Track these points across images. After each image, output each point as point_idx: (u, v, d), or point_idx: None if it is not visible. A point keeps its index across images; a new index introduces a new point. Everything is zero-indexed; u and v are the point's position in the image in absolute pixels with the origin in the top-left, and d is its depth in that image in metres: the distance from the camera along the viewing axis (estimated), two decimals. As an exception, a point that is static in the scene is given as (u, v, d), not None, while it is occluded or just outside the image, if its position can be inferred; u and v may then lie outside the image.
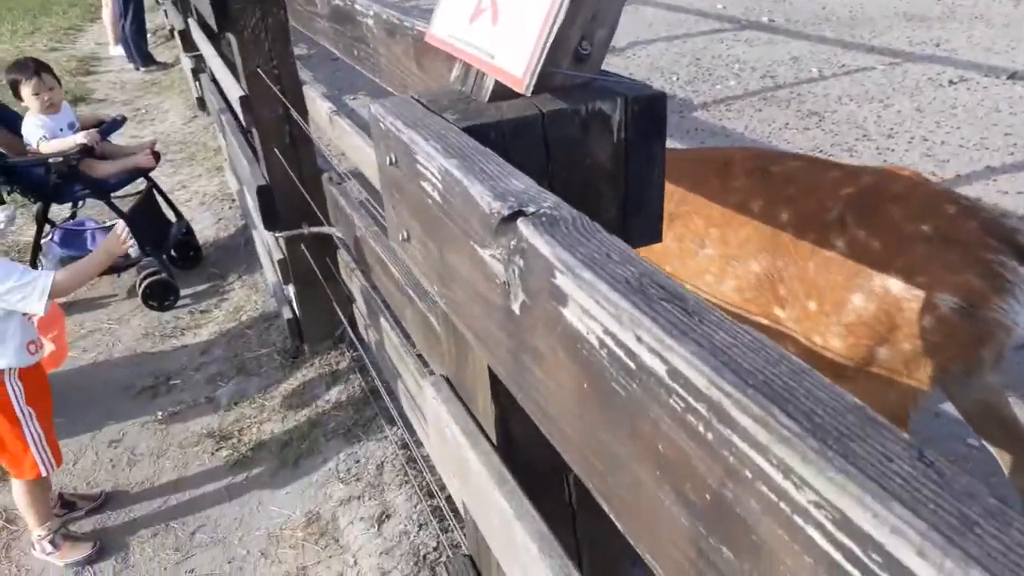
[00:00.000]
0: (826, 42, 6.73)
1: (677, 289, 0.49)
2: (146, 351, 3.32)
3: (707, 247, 1.85)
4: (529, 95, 0.83)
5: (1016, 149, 4.36)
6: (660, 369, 0.45)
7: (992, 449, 1.92)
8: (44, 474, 2.21)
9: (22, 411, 2.14)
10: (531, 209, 0.63)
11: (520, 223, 0.62)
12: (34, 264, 3.53)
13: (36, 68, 3.42)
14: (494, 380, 0.92)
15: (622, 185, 0.91)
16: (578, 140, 0.87)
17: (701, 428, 0.41)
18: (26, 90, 3.40)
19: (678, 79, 6.08)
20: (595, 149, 0.88)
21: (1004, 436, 1.87)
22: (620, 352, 0.49)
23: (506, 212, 0.64)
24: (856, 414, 0.37)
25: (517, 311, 0.65)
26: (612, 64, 5.47)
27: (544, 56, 0.81)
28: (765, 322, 1.76)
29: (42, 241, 3.58)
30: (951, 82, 5.51)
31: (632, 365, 0.47)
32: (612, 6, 0.87)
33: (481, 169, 0.72)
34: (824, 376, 0.40)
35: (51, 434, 2.23)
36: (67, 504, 2.47)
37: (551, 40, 0.80)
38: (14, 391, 2.13)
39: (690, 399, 0.42)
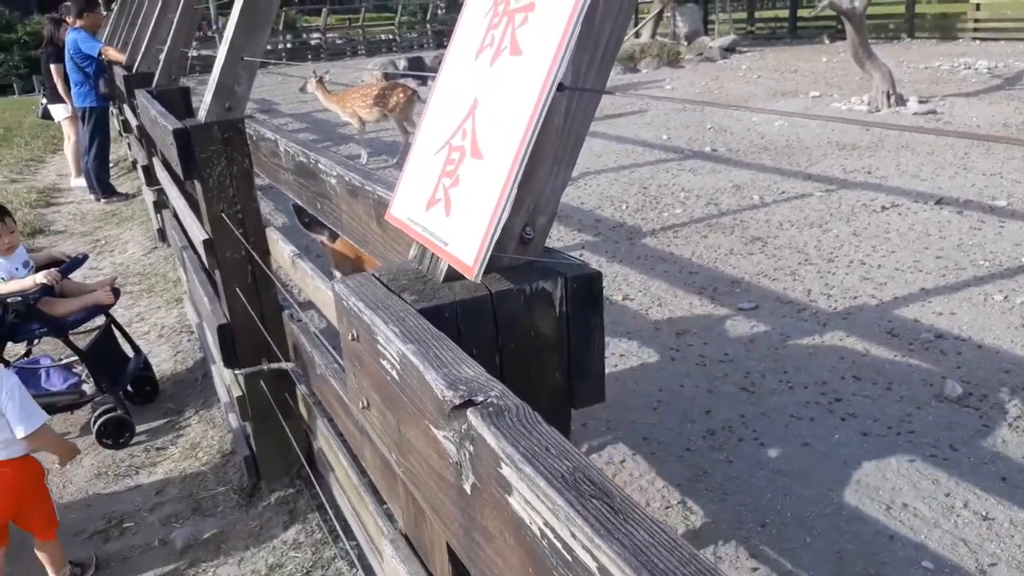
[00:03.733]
0: (766, 170, 7.15)
1: (606, 484, 0.56)
2: (99, 492, 3.24)
3: None
4: (479, 281, 0.92)
5: (947, 271, 4.63)
6: (592, 565, 0.51)
7: None
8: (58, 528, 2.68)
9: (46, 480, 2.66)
10: (480, 399, 0.71)
11: (470, 413, 0.69)
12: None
13: None
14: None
15: (565, 353, 1.00)
16: (524, 315, 0.96)
17: (627, 620, 0.47)
18: None
19: (627, 207, 6.37)
20: (539, 323, 0.97)
21: None
22: (558, 544, 0.55)
23: (457, 401, 0.71)
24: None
25: (468, 491, 0.71)
26: (566, 194, 5.76)
27: (492, 245, 0.90)
28: None
29: (-6, 380, 3.53)
30: (883, 208, 5.87)
31: (569, 558, 0.54)
32: (552, 196, 0.98)
33: (436, 355, 0.80)
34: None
35: None
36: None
37: (498, 231, 0.90)
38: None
39: (616, 596, 0.48)
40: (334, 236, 3.17)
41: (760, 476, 2.91)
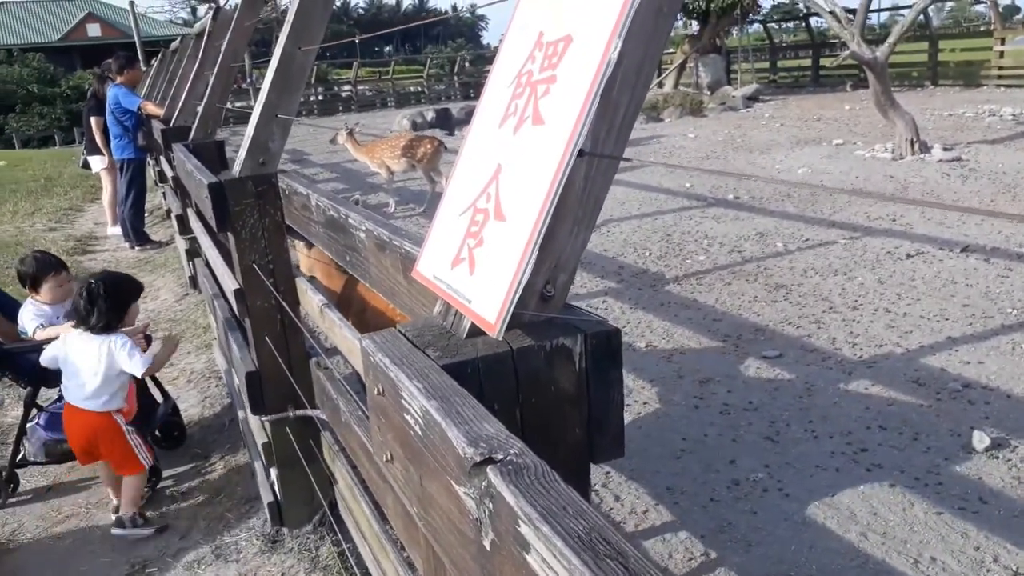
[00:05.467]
0: (789, 217, 7.15)
1: (621, 545, 0.58)
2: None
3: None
4: (500, 338, 0.95)
5: (974, 320, 4.58)
6: (605, 623, 0.53)
7: None
8: (145, 467, 3.29)
9: (127, 431, 3.23)
10: (499, 456, 0.73)
11: (490, 470, 0.72)
12: (17, 448, 3.55)
13: (59, 263, 3.68)
14: (472, 596, 0.98)
15: (585, 408, 1.02)
16: (544, 371, 0.99)
17: None
18: (51, 282, 3.60)
19: (651, 254, 6.40)
20: (559, 378, 1.00)
21: None
22: (574, 603, 0.57)
23: (478, 458, 0.74)
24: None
25: (488, 548, 0.73)
26: (589, 241, 5.80)
27: (514, 303, 0.94)
28: None
29: (28, 425, 3.60)
30: (908, 255, 5.84)
31: (584, 616, 0.56)
32: (572, 256, 1.01)
33: (458, 412, 0.83)
34: None
35: (144, 438, 3.37)
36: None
37: (520, 289, 0.94)
38: (120, 420, 3.22)
39: (628, 654, 0.50)
40: (310, 245, 3.48)
41: (785, 528, 2.87)
